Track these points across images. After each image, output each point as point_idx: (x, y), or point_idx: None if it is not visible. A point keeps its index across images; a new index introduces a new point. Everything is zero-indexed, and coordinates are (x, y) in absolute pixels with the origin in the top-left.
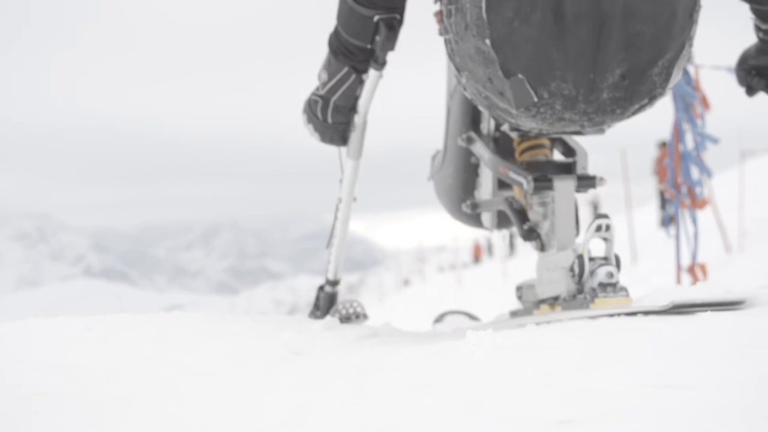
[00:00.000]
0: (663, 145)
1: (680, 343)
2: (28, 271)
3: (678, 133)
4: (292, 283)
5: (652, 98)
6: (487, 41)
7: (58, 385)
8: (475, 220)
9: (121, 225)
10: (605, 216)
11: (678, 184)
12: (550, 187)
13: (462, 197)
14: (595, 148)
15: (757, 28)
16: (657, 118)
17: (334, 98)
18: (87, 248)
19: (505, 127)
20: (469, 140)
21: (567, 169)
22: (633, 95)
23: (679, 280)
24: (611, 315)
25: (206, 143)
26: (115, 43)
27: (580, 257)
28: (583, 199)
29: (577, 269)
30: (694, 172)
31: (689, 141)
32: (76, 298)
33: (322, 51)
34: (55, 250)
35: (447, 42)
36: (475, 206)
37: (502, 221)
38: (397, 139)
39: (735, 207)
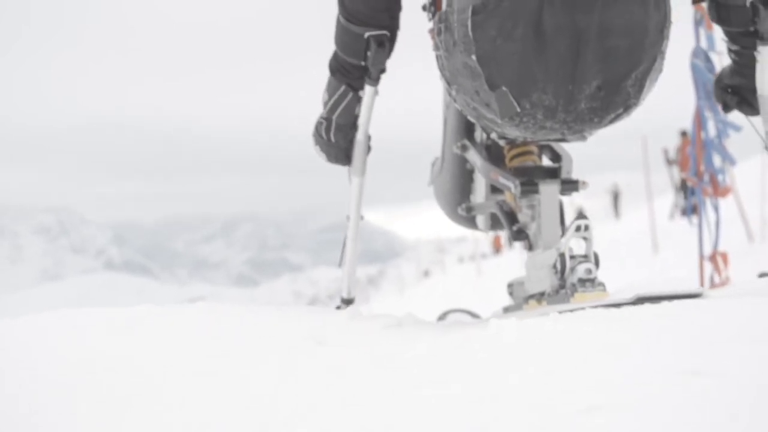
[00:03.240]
0: (683, 134)
1: (704, 329)
2: (50, 265)
3: (700, 121)
4: (312, 275)
5: (627, 108)
6: (473, 57)
7: (76, 379)
8: (470, 222)
9: (142, 218)
10: (584, 217)
11: (700, 172)
12: (536, 191)
13: (458, 201)
14: (618, 137)
15: (729, 50)
16: (678, 107)
17: (335, 117)
18: (108, 242)
19: (493, 135)
20: (464, 148)
21: (552, 173)
22: (609, 105)
23: (701, 270)
24: (585, 308)
25: (225, 136)
26: (134, 39)
27: (562, 255)
28: (604, 188)
29: (559, 266)
30: (717, 160)
31: (711, 128)
32: (97, 291)
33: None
34: (76, 244)
35: (438, 57)
36: (470, 209)
37: (495, 223)
38: (418, 130)
39: (757, 195)
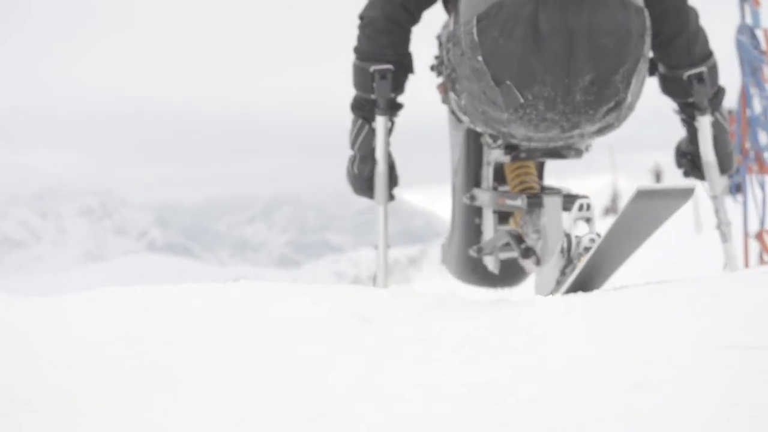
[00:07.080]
0: (728, 112)
1: (750, 307)
2: (93, 246)
3: (745, 98)
4: (354, 256)
5: (618, 102)
6: (480, 58)
7: (125, 356)
8: (482, 272)
9: (184, 200)
10: (585, 196)
11: (745, 149)
12: (541, 204)
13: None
14: (660, 116)
15: (681, 119)
16: (722, 85)
17: (356, 149)
18: (150, 223)
19: (496, 155)
20: (472, 198)
21: (554, 192)
22: (601, 99)
23: (746, 248)
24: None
25: (266, 119)
26: (172, 21)
27: (568, 235)
28: (646, 168)
29: (566, 245)
30: (762, 137)
31: (757, 106)
32: (140, 272)
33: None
34: (119, 226)
35: (448, 75)
36: (480, 250)
37: (504, 274)
38: None
39: None
